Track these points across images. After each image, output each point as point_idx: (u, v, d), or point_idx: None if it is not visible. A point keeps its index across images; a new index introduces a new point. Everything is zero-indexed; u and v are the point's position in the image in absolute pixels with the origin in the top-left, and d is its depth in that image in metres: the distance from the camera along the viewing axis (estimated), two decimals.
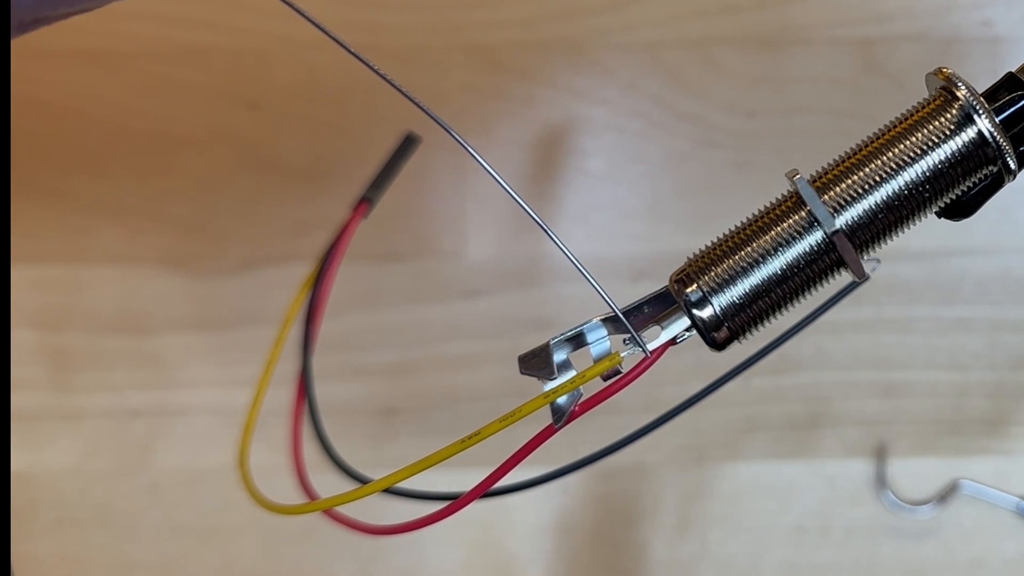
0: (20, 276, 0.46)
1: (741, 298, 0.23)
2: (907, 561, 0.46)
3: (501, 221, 0.46)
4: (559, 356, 0.24)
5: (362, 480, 0.30)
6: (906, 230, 0.23)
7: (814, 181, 0.23)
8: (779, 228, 0.23)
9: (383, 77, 0.22)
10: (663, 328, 0.24)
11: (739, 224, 0.23)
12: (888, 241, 0.23)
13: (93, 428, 0.46)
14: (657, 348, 0.23)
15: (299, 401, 0.32)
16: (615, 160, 0.46)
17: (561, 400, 0.23)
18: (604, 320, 0.24)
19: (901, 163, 0.22)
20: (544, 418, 0.23)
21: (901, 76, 0.45)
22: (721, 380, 0.31)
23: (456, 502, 0.24)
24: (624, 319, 0.23)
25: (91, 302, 0.46)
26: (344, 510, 0.28)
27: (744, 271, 0.23)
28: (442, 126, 0.22)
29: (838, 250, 0.22)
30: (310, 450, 0.32)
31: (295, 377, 0.33)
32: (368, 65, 0.22)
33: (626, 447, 0.30)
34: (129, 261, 0.46)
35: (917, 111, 0.23)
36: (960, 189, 0.23)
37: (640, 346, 0.23)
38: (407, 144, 0.37)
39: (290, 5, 0.22)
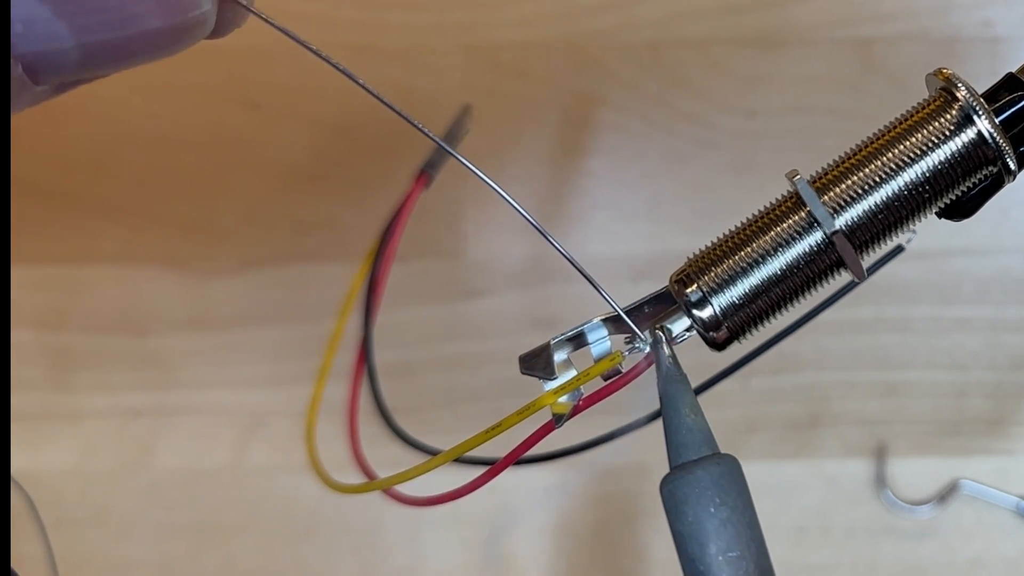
0: (20, 276, 0.46)
1: (741, 298, 0.23)
2: (907, 561, 0.45)
3: (501, 221, 0.46)
4: (559, 356, 0.24)
5: (431, 452, 0.30)
6: (906, 230, 0.23)
7: (814, 182, 0.23)
8: (779, 228, 0.23)
9: (364, 88, 0.22)
10: None
11: (739, 224, 0.24)
12: (888, 241, 0.23)
13: (93, 428, 0.46)
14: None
15: (358, 373, 0.32)
16: (615, 160, 0.46)
17: (561, 398, 0.23)
18: (604, 320, 0.24)
19: (901, 164, 0.22)
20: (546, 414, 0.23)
21: (901, 76, 0.45)
22: (716, 377, 0.31)
23: (459, 489, 0.25)
24: (627, 318, 0.23)
25: (91, 302, 0.46)
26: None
27: (744, 271, 0.23)
28: (425, 133, 0.22)
29: (837, 250, 0.22)
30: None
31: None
32: (353, 77, 0.22)
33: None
34: (129, 261, 0.46)
35: (917, 112, 0.23)
36: (960, 190, 0.23)
37: (643, 344, 0.23)
38: (464, 116, 0.36)
39: (269, 22, 0.22)
